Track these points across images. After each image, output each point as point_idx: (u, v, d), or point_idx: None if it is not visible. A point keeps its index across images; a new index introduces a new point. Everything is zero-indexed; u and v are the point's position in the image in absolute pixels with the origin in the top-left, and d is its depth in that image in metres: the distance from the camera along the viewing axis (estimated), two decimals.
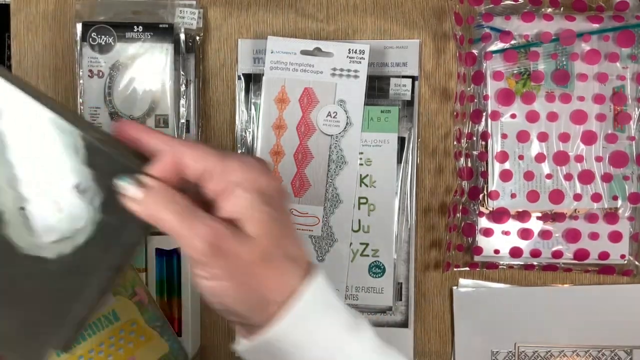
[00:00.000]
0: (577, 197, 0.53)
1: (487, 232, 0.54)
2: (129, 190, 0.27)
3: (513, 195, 0.53)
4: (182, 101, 0.55)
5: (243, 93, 0.56)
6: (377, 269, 0.55)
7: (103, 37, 0.54)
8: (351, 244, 0.55)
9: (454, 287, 0.56)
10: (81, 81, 0.55)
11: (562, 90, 0.53)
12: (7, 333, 0.32)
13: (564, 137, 0.53)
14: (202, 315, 0.57)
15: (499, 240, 0.54)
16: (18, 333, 0.32)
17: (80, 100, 0.55)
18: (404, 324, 0.56)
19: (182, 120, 0.55)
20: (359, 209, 0.55)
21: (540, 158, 0.53)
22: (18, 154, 0.30)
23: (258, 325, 0.26)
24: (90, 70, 0.54)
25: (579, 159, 0.52)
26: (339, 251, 0.55)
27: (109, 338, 0.48)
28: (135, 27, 0.54)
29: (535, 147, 0.53)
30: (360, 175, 0.55)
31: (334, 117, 0.54)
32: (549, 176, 0.53)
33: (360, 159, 0.55)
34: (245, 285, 0.25)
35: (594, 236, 0.53)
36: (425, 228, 0.56)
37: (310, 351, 0.26)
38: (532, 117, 0.53)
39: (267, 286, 0.26)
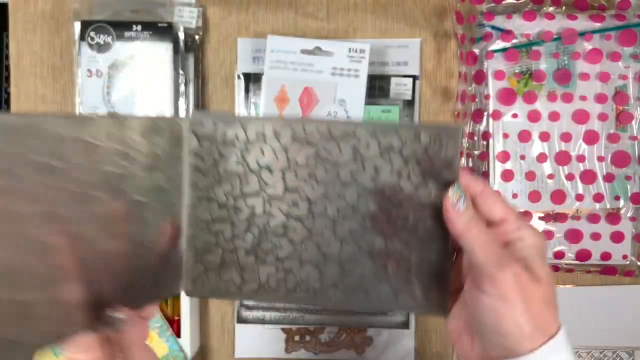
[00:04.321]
0: (579, 198, 0.52)
1: None
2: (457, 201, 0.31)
3: (514, 196, 0.53)
4: (182, 100, 0.55)
5: (243, 92, 0.56)
6: None
7: (101, 36, 0.54)
8: None
9: None
10: (80, 80, 0.54)
11: (564, 90, 0.52)
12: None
13: (566, 137, 0.52)
14: (201, 316, 0.57)
15: None
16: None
17: (79, 99, 0.55)
18: (405, 325, 0.56)
19: None
20: None
21: (542, 158, 0.52)
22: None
23: (515, 353, 0.29)
24: (89, 70, 0.54)
25: (581, 159, 0.52)
26: None
27: None
28: (134, 26, 0.53)
29: (537, 147, 0.52)
30: None
31: (334, 117, 0.54)
32: (550, 176, 0.52)
33: None
34: (527, 313, 0.29)
35: (595, 237, 0.53)
36: None
37: None
38: (534, 116, 0.52)
39: (539, 321, 0.30)
